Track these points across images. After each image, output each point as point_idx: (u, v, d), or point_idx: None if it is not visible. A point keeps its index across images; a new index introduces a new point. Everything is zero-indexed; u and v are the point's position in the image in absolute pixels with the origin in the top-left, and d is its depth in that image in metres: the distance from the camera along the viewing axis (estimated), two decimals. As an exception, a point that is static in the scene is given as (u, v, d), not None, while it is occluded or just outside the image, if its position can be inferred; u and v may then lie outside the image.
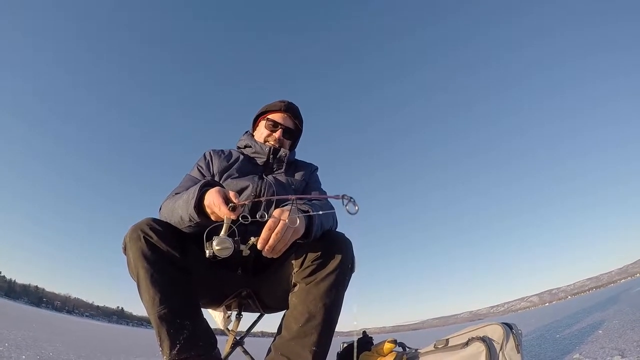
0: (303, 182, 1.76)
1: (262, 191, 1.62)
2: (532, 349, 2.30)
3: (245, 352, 1.76)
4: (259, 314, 1.79)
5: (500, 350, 1.21)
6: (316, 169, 1.88)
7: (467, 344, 1.28)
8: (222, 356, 1.58)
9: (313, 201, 1.46)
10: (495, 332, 1.25)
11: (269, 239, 1.17)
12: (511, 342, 1.22)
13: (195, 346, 1.33)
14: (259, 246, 1.18)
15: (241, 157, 1.77)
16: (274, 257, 1.23)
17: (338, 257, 1.34)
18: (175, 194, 1.50)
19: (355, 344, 1.74)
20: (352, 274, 1.42)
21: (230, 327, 1.79)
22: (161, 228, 1.35)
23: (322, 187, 1.83)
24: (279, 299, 1.52)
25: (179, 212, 1.37)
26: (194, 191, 1.31)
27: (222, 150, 1.83)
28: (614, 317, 3.13)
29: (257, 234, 1.20)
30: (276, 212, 1.20)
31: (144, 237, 1.31)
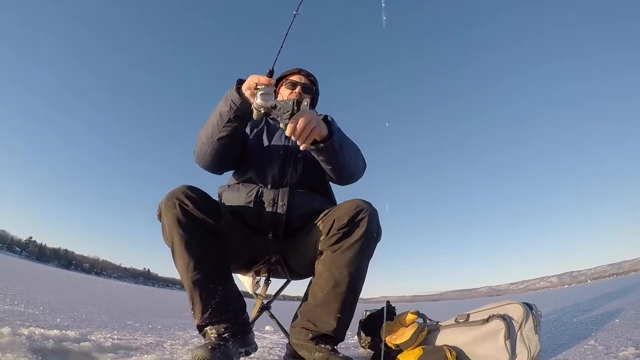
0: None
1: (292, 144, 1.70)
2: (548, 330, 2.34)
3: (272, 316, 1.87)
4: (285, 279, 1.89)
5: (519, 329, 1.27)
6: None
7: (487, 320, 1.33)
8: (250, 320, 1.70)
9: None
10: (515, 311, 1.30)
11: (298, 125, 1.27)
12: (530, 323, 1.27)
13: (226, 311, 1.43)
14: (288, 130, 1.27)
15: (268, 119, 1.88)
16: (301, 146, 1.31)
17: (364, 226, 1.40)
18: None
19: (385, 311, 1.82)
20: (378, 243, 1.49)
21: (258, 291, 1.89)
22: (196, 195, 1.44)
23: None
24: (306, 265, 1.61)
25: (218, 111, 1.49)
26: (230, 87, 1.44)
27: None
28: (632, 307, 3.12)
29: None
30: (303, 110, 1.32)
31: (179, 204, 1.39)
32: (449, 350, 1.32)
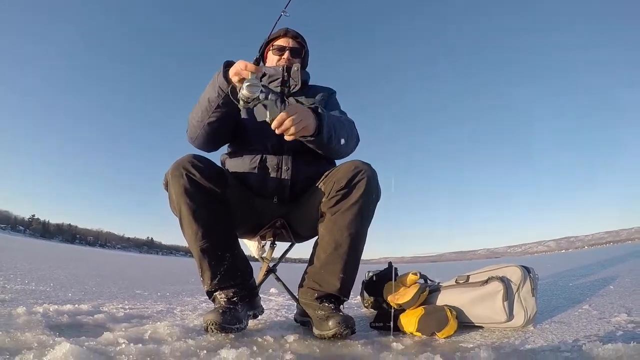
0: (322, 101, 1.82)
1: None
2: (544, 293, 2.41)
3: (278, 278, 1.93)
4: (290, 243, 1.95)
5: (517, 291, 1.32)
6: (334, 92, 1.95)
7: (486, 282, 1.39)
8: (257, 283, 1.77)
9: (331, 113, 1.58)
10: (514, 274, 1.35)
11: (284, 121, 1.29)
12: (527, 285, 1.32)
13: (234, 276, 1.51)
14: (273, 125, 1.30)
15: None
16: (288, 138, 1.34)
17: (362, 188, 1.44)
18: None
19: (394, 270, 1.88)
20: (377, 203, 1.53)
21: (264, 255, 1.95)
22: (202, 164, 1.47)
23: (342, 108, 1.90)
24: (310, 228, 1.66)
25: (206, 97, 1.49)
26: (217, 70, 1.44)
27: None
28: (627, 275, 3.19)
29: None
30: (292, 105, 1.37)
31: (186, 174, 1.42)
32: (450, 309, 1.39)
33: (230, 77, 1.37)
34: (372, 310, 2.01)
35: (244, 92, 1.27)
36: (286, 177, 1.61)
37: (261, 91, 1.29)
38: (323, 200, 1.50)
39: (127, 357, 0.99)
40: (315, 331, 1.42)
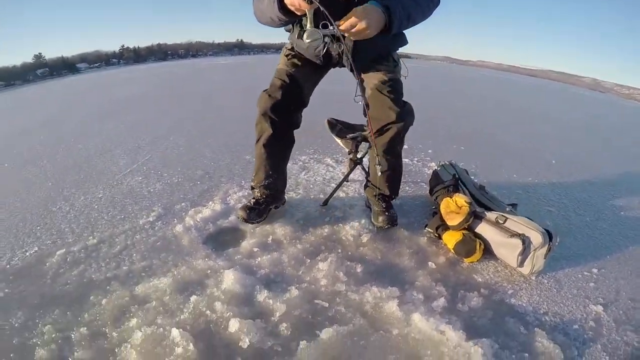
0: None
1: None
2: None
3: (363, 169, 2.46)
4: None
5: (533, 251, 1.68)
6: None
7: (513, 235, 1.76)
8: (346, 173, 2.38)
9: None
10: (536, 239, 1.67)
11: (351, 29, 1.43)
12: (544, 250, 1.67)
13: (274, 189, 2.11)
14: (342, 27, 1.43)
15: None
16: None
17: (393, 132, 1.85)
18: None
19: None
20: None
21: (351, 156, 2.44)
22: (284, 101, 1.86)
23: None
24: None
25: (268, 14, 1.61)
26: None
27: None
28: None
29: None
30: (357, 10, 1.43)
31: (270, 121, 1.88)
32: (480, 243, 1.85)
33: (287, 5, 1.47)
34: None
35: (307, 41, 1.44)
36: (348, 50, 1.72)
37: (323, 41, 1.46)
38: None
39: (264, 270, 1.75)
40: (373, 220, 2.11)
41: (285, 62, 1.96)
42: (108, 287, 1.64)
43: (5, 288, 1.66)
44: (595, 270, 1.87)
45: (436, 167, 2.54)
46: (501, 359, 1.31)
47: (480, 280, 1.76)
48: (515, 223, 1.80)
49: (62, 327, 1.44)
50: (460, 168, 2.52)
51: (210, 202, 2.37)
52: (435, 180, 2.43)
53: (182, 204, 2.37)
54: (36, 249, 1.95)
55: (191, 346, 1.31)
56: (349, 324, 1.44)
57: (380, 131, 1.86)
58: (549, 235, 1.70)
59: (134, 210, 2.32)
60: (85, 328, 1.42)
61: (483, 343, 1.32)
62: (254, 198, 2.12)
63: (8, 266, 1.81)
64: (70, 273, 1.75)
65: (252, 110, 2.01)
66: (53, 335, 1.40)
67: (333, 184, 2.58)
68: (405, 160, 2.91)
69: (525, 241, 1.71)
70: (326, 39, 1.48)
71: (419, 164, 3.14)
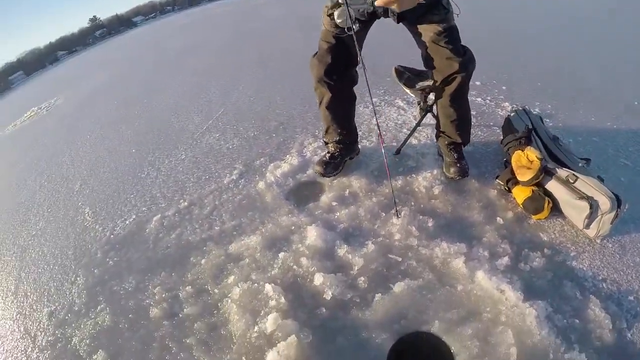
0: None
1: None
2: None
3: (433, 115, 2.45)
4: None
5: (601, 215, 1.72)
6: None
7: (581, 197, 1.78)
8: (417, 122, 2.46)
9: None
10: (604, 204, 1.70)
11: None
12: (611, 216, 1.70)
13: (346, 142, 2.27)
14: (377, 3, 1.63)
15: None
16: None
17: (457, 83, 1.91)
18: None
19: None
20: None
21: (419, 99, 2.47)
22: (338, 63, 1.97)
23: None
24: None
25: None
26: None
27: None
28: None
29: None
30: None
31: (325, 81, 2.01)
32: (548, 201, 1.91)
33: None
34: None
35: (338, 21, 1.71)
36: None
37: (353, 22, 1.64)
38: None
39: (343, 224, 1.97)
40: (445, 171, 2.22)
41: (328, 22, 1.94)
42: (204, 248, 1.95)
43: (114, 257, 2.01)
44: (664, 238, 1.78)
45: (509, 114, 2.48)
46: (553, 322, 1.47)
47: (545, 239, 1.85)
48: (585, 184, 1.82)
49: (169, 287, 1.78)
50: (535, 115, 2.44)
51: (288, 156, 2.57)
52: (508, 128, 2.39)
53: (261, 159, 2.59)
54: (134, 216, 2.26)
55: (282, 299, 1.61)
56: (418, 279, 1.66)
57: (445, 82, 1.91)
58: (617, 201, 1.72)
59: (216, 169, 2.57)
60: (190, 287, 1.75)
61: (538, 305, 1.49)
62: (328, 152, 2.28)
63: (112, 236, 2.15)
64: (168, 237, 2.06)
65: (313, 48, 2.04)
66: (163, 295, 1.74)
67: (405, 130, 2.66)
68: (478, 99, 2.88)
69: (593, 205, 1.74)
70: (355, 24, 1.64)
71: (492, 104, 3.01)
